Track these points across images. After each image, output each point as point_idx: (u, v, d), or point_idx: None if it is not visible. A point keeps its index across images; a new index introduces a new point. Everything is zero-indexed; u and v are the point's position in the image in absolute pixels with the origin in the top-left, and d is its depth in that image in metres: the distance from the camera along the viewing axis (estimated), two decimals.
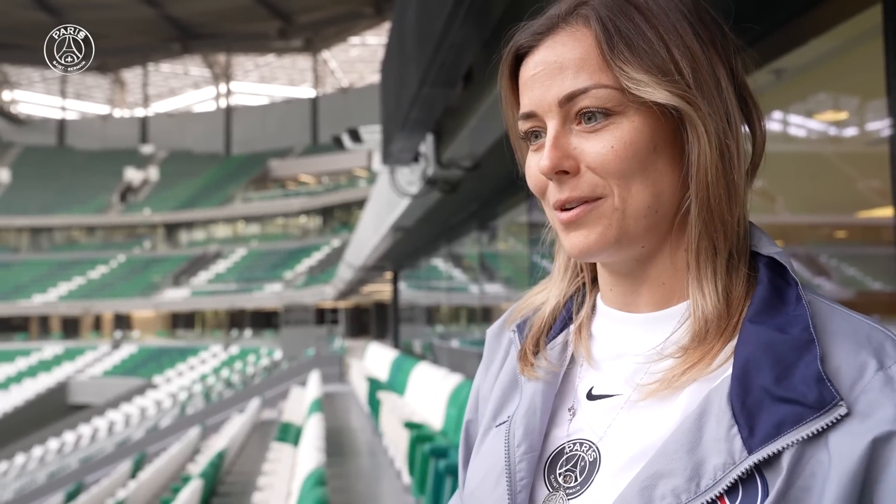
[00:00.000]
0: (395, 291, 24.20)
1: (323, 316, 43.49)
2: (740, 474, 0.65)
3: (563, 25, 0.76)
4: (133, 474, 15.90)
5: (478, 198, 10.00)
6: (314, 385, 17.71)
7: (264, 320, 46.17)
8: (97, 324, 50.96)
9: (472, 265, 12.76)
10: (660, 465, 0.68)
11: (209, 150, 64.66)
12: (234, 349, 41.88)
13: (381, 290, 36.71)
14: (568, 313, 0.86)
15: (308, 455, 7.58)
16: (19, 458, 25.83)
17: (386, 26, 38.42)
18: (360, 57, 63.03)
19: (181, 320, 50.41)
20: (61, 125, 69.07)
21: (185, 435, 19.64)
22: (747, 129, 0.77)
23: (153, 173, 60.38)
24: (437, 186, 8.14)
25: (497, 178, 7.99)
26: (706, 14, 0.76)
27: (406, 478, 8.05)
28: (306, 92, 66.25)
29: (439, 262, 15.92)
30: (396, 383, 13.60)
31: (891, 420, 0.63)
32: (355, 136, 11.41)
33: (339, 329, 43.39)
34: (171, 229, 55.41)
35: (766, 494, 0.64)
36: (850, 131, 3.62)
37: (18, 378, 41.01)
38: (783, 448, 0.64)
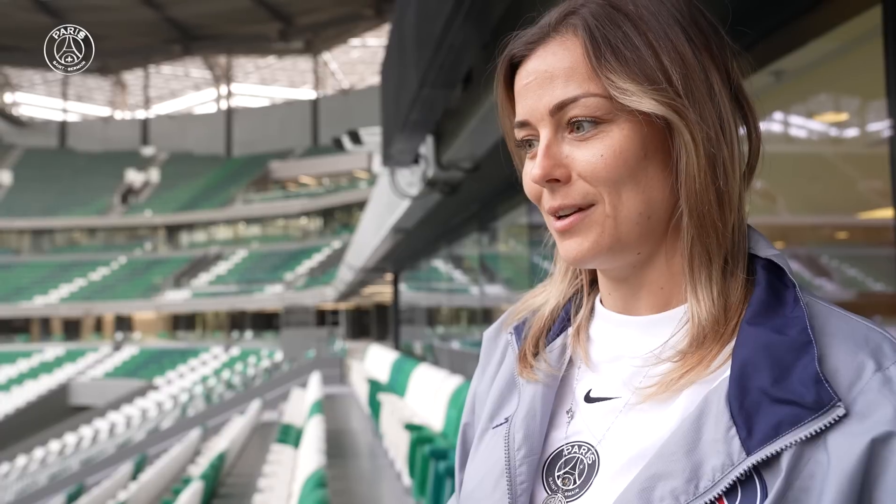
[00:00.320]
0: (396, 293, 24.21)
1: (323, 317, 43.48)
2: (739, 475, 0.65)
3: (553, 35, 0.76)
4: (134, 476, 15.89)
5: (478, 199, 10.00)
6: (315, 387, 17.71)
7: (265, 322, 46.17)
8: (98, 325, 50.97)
9: (472, 267, 12.77)
10: (658, 466, 0.68)
11: (210, 151, 64.68)
12: (235, 351, 41.88)
13: (381, 291, 36.74)
14: (566, 315, 0.86)
15: (308, 457, 7.58)
16: (20, 460, 25.81)
17: (386, 28, 38.43)
18: (360, 58, 63.05)
19: (182, 322, 50.41)
20: (62, 127, 69.10)
21: (185, 436, 19.63)
22: (745, 131, 0.77)
23: (154, 175, 60.40)
24: (437, 188, 8.14)
25: (497, 179, 8.00)
26: (701, 17, 0.76)
27: (406, 479, 8.05)
28: (307, 93, 66.28)
29: (440, 264, 15.93)
30: (397, 385, 13.60)
31: (889, 420, 0.63)
32: (355, 138, 11.43)
33: (340, 331, 43.38)
34: (172, 231, 55.41)
35: (764, 495, 0.64)
36: (851, 132, 3.62)
37: (20, 380, 41.01)
38: (782, 449, 0.64)
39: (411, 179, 8.54)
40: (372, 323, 46.11)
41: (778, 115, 3.77)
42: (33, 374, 41.88)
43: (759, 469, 0.65)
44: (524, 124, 0.78)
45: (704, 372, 0.71)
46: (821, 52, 3.30)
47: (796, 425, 0.64)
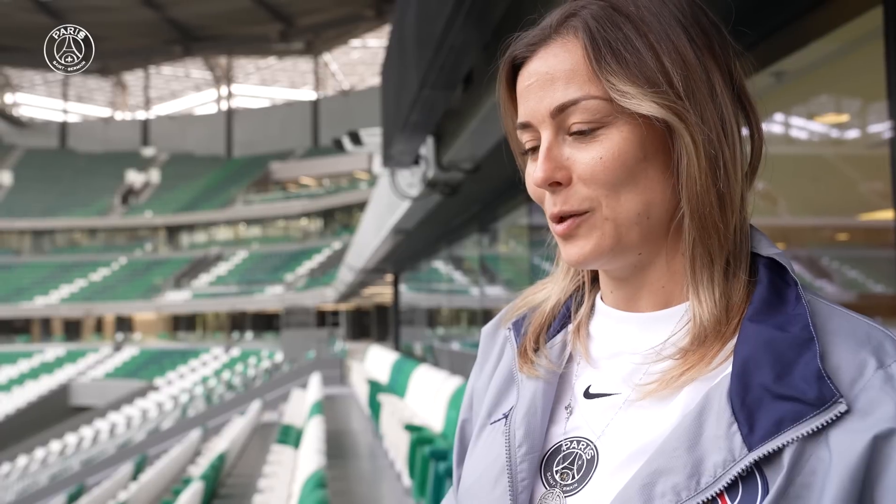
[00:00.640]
0: (396, 294, 24.21)
1: (324, 318, 43.47)
2: (740, 471, 0.65)
3: (554, 37, 0.76)
4: (134, 476, 15.89)
5: (478, 200, 10.00)
6: (315, 387, 17.70)
7: (265, 322, 46.18)
8: (99, 326, 50.97)
9: (472, 267, 12.77)
10: (660, 462, 0.68)
11: (210, 152, 64.67)
12: (235, 351, 41.87)
13: (381, 292, 36.73)
14: (567, 312, 0.86)
15: (309, 457, 7.58)
16: (21, 460, 25.81)
17: (387, 29, 38.43)
18: (360, 59, 63.06)
19: (182, 322, 50.42)
20: (63, 128, 69.11)
21: (186, 437, 19.64)
22: (747, 132, 0.77)
23: (154, 176, 60.41)
24: (437, 189, 8.14)
25: (497, 180, 8.00)
26: (703, 17, 0.76)
27: (406, 480, 8.05)
28: (307, 94, 66.28)
29: (440, 265, 15.93)
30: (397, 386, 13.59)
31: (891, 417, 0.63)
32: (356, 139, 11.43)
33: (340, 331, 43.37)
34: (173, 231, 55.42)
35: (766, 492, 0.64)
36: (852, 133, 3.62)
37: (20, 380, 41.03)
38: (783, 445, 0.64)
39: (412, 180, 8.55)
40: (372, 324, 46.11)
41: (779, 117, 3.77)
42: (34, 374, 41.89)
43: (760, 465, 0.65)
44: (526, 126, 0.78)
45: (706, 369, 0.71)
46: (821, 53, 3.30)
47: (798, 421, 0.65)
